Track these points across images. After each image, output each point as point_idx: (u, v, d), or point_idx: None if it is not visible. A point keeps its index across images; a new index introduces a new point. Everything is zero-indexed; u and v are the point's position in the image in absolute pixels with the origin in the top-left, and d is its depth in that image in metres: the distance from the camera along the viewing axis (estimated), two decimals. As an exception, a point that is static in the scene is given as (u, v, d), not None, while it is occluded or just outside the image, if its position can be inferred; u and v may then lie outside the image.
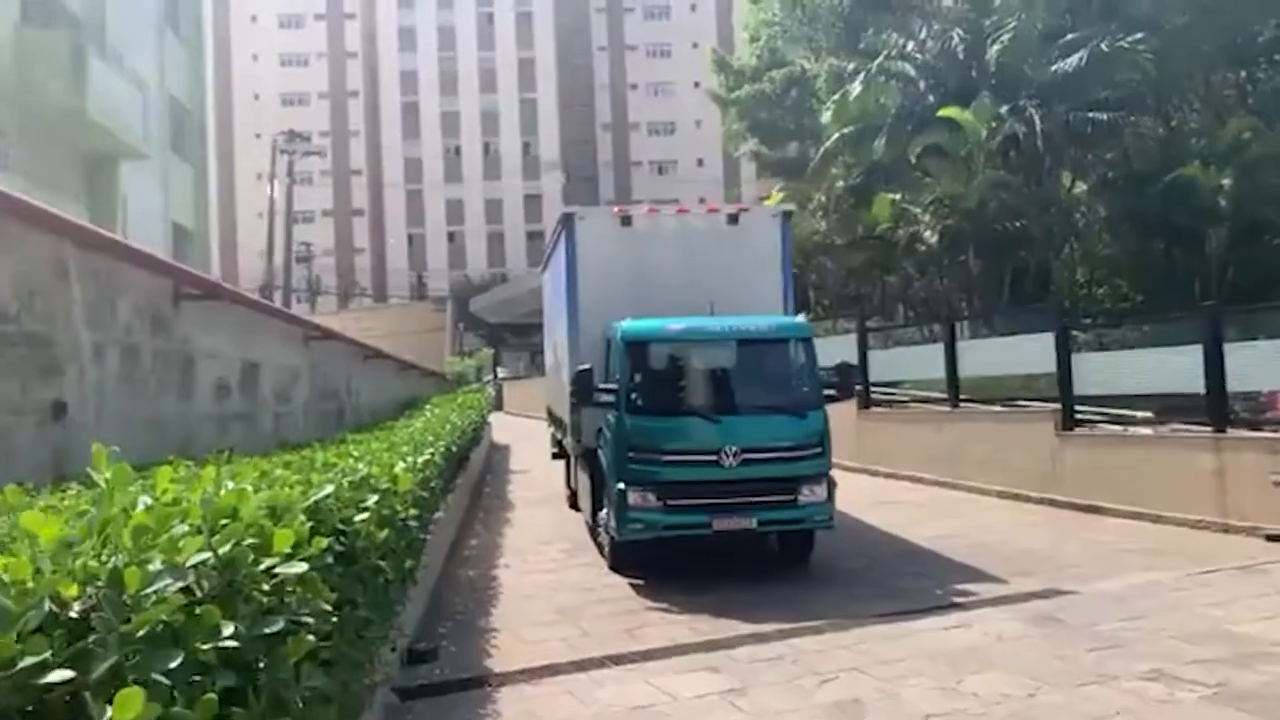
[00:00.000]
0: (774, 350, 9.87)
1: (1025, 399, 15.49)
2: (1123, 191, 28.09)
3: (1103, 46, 26.13)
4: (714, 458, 9.21)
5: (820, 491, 9.46)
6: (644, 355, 9.69)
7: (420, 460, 6.66)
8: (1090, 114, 26.53)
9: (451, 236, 74.67)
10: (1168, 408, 16.75)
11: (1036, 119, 25.69)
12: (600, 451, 10.34)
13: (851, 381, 9.97)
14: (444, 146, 74.69)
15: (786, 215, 11.68)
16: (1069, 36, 27.59)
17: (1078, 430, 13.60)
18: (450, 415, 12.51)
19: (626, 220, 11.36)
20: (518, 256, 68.77)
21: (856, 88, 27.72)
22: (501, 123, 74.33)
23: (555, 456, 16.05)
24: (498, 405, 40.84)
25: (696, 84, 63.77)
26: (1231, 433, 11.48)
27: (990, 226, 25.18)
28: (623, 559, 9.89)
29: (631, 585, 9.50)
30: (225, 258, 72.45)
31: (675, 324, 9.63)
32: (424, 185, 74.10)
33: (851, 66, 31.11)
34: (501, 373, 54.26)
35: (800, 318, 9.93)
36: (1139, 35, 26.71)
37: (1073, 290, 30.72)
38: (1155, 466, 12.15)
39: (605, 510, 10.04)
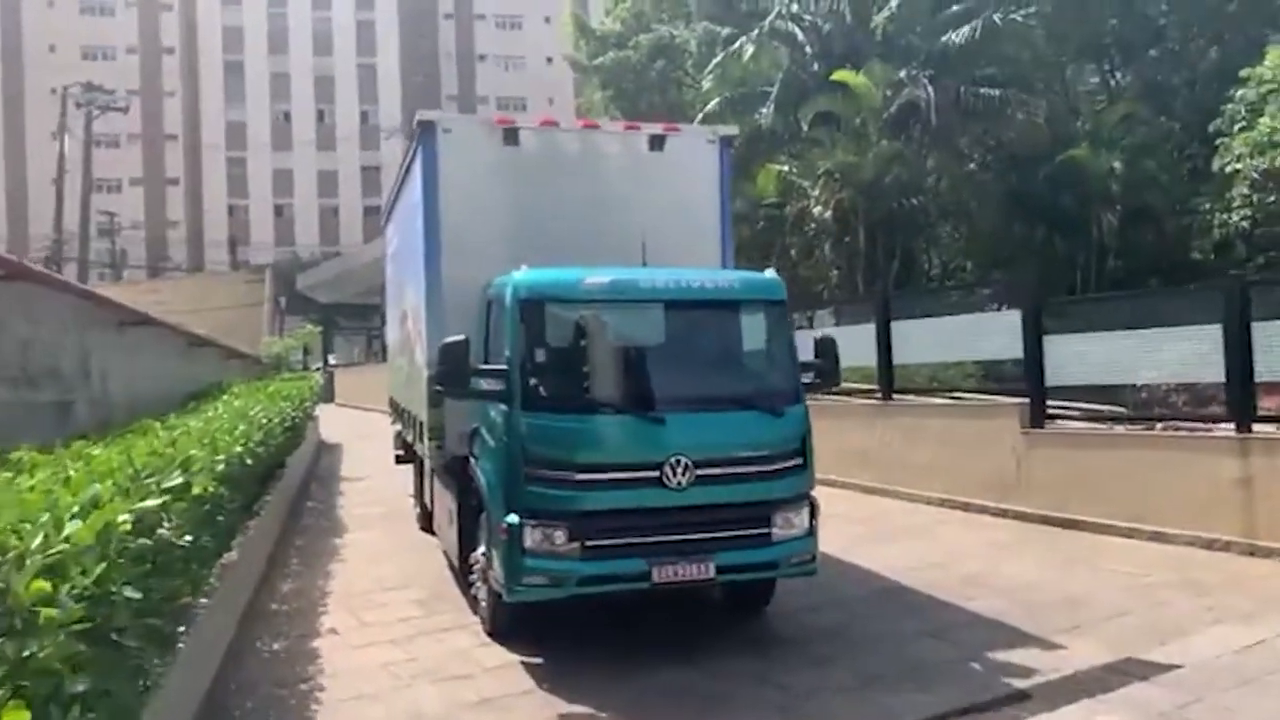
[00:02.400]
0: (738, 319, 6.88)
1: (967, 391, 13.15)
2: (1011, 171, 26.82)
3: (995, 19, 24.69)
4: (654, 474, 6.16)
5: (801, 521, 6.56)
6: (549, 323, 6.52)
7: (159, 501, 3.29)
8: (980, 89, 25.08)
9: (279, 210, 68.28)
10: (1141, 401, 14.82)
11: (930, 89, 23.95)
12: (476, 465, 7.11)
13: (837, 365, 7.04)
14: (273, 112, 68.25)
15: (727, 141, 8.70)
16: (955, 8, 26.15)
17: (1050, 427, 11.27)
18: (254, 410, 8.93)
19: (511, 135, 8.12)
20: (353, 233, 63.30)
21: (749, 48, 25.23)
22: (338, 88, 68.49)
23: (401, 460, 12.59)
24: (329, 396, 36.42)
25: (550, 59, 60.43)
26: (1260, 430, 9.30)
27: (885, 202, 23.18)
28: (510, 624, 6.73)
29: (526, 666, 6.34)
30: (14, 226, 64.01)
31: (596, 276, 6.50)
32: (248, 153, 67.49)
33: (727, 31, 28.82)
34: (333, 359, 49.28)
35: (770, 273, 6.94)
36: (1031, 9, 25.47)
37: (944, 274, 29.50)
38: (1156, 473, 9.88)
39: (484, 551, 6.82)
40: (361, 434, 23.09)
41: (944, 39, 25.29)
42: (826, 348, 7.03)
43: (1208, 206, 25.03)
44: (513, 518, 6.17)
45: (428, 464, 9.02)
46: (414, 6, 70.17)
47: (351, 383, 39.10)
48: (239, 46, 68.04)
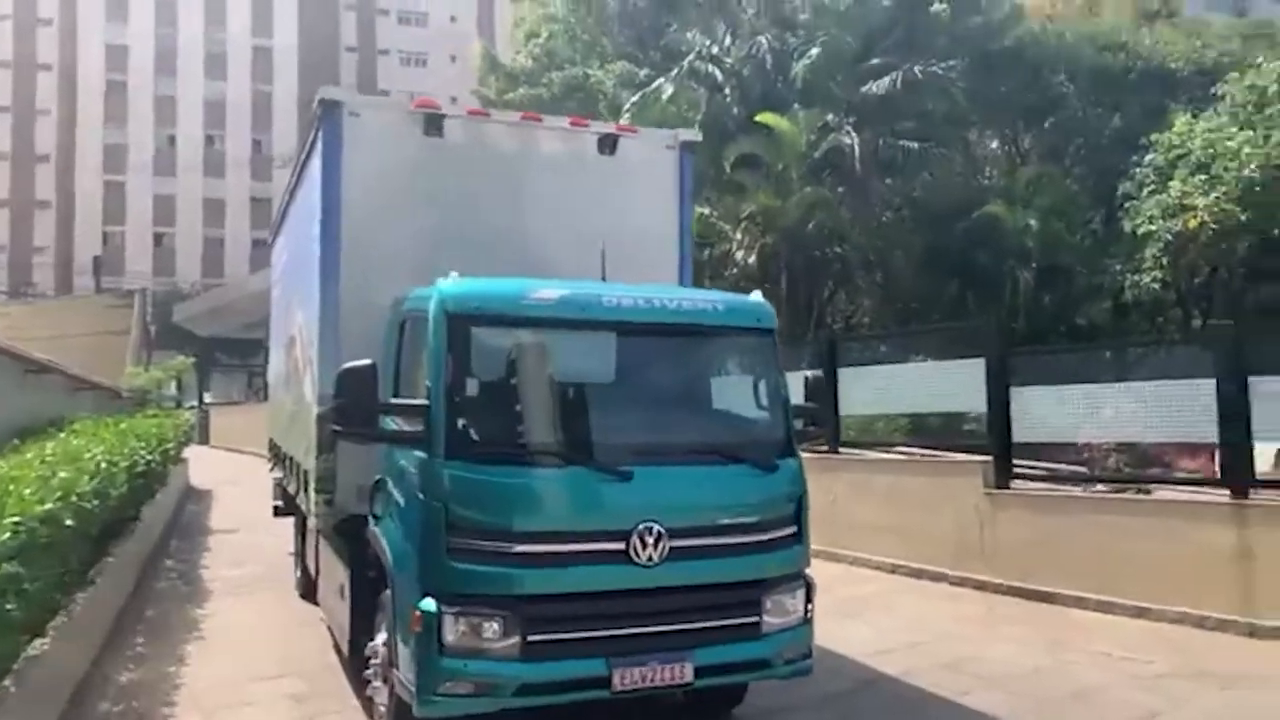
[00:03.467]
0: (722, 350, 5.58)
1: (909, 446, 12.16)
2: (929, 225, 26.59)
3: (915, 70, 24.52)
4: (618, 546, 4.75)
5: (796, 606, 5.24)
6: (484, 346, 5.06)
7: None
8: (900, 141, 24.84)
9: (159, 239, 64.25)
10: (1091, 459, 14.03)
11: (855, 137, 23.51)
12: (379, 528, 5.55)
13: (825, 409, 5.75)
14: (157, 136, 64.51)
15: (688, 147, 7.45)
16: (874, 61, 25.97)
17: (1017, 487, 10.27)
18: (92, 452, 7.13)
19: (433, 124, 6.69)
20: (239, 266, 59.77)
21: (668, 88, 24.43)
22: (229, 114, 65.24)
23: (280, 512, 10.78)
24: (203, 437, 33.64)
25: (454, 98, 58.95)
26: (1260, 497, 8.45)
27: (809, 249, 22.47)
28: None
29: (439, 801, 4.76)
30: None
31: (547, 290, 5.09)
32: (128, 176, 63.50)
33: (645, 73, 28.09)
34: (210, 397, 45.99)
35: (757, 295, 5.64)
36: (951, 63, 25.49)
37: (862, 325, 29.05)
38: (1137, 542, 8.91)
39: (386, 640, 5.25)
40: (237, 479, 20.84)
41: (864, 89, 25.00)
42: (817, 389, 5.75)
43: (1118, 268, 25.27)
44: (429, 603, 4.65)
45: (312, 522, 7.34)
46: (315, 34, 67.83)
47: (229, 423, 36.27)
48: (123, 66, 64.34)
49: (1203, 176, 22.20)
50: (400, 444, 5.17)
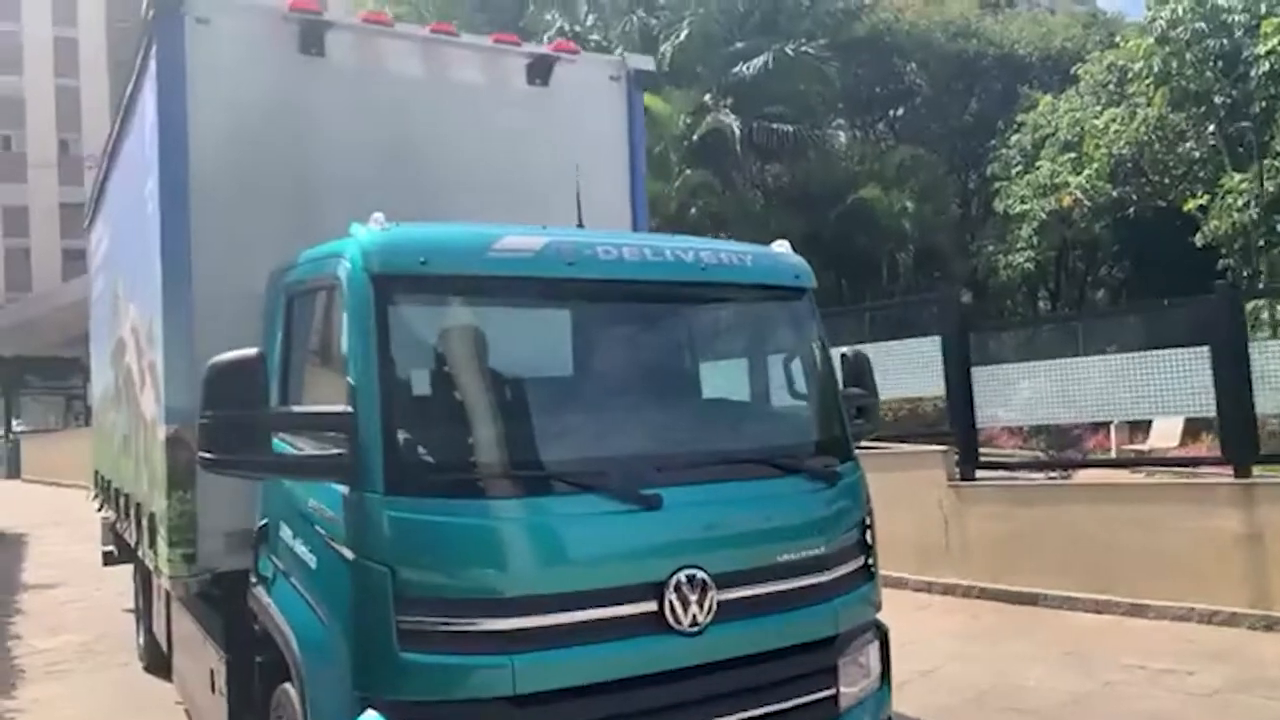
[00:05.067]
0: (755, 319, 4.11)
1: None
2: (804, 210, 25.99)
3: (787, 51, 23.81)
4: (649, 607, 3.21)
5: (872, 664, 3.81)
6: (432, 321, 3.43)
7: None
8: (773, 125, 24.06)
9: (-48, 251, 57.59)
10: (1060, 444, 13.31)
11: (734, 118, 22.56)
12: (272, 596, 3.83)
13: (877, 399, 4.36)
14: (-58, 136, 57.77)
15: (639, 79, 5.94)
16: (740, 44, 25.15)
17: (983, 478, 9.25)
18: None
19: (312, 36, 4.95)
20: (49, 280, 54.06)
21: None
22: (30, 112, 58.98)
23: (112, 559, 8.64)
24: (12, 471, 29.76)
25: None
26: (1265, 475, 7.66)
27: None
28: None
29: None
30: None
31: (520, 237, 3.46)
32: (-91, 183, 56.56)
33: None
34: (20, 425, 41.10)
35: (784, 245, 4.18)
36: (823, 41, 24.96)
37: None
38: (1126, 531, 8.02)
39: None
40: (56, 519, 17.92)
41: (735, 70, 24.13)
42: (862, 370, 4.33)
43: (990, 249, 25.36)
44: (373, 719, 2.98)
45: (163, 583, 5.42)
46: (124, 26, 62.25)
47: (45, 453, 32.25)
48: (-102, 59, 57.28)
49: (1071, 155, 22.40)
50: (307, 475, 3.46)
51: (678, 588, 3.24)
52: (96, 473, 8.89)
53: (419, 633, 3.02)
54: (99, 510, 8.84)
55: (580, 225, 4.07)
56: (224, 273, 4.65)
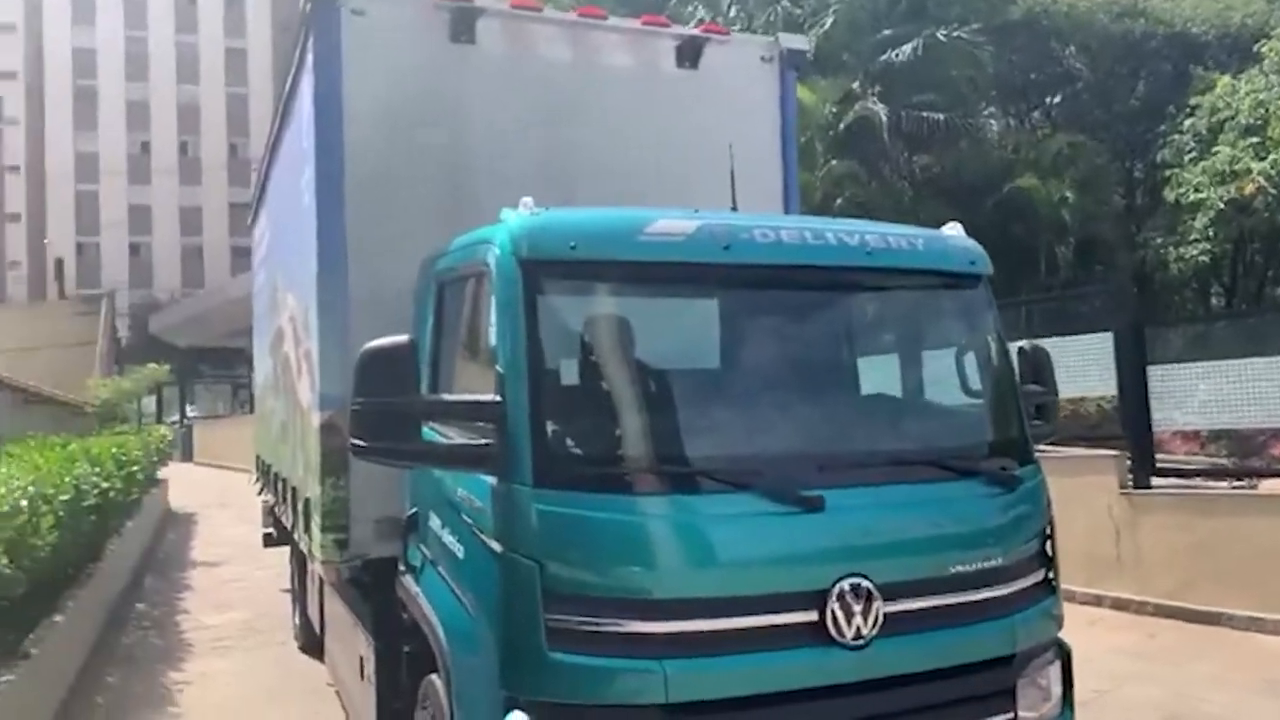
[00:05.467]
0: (925, 308, 3.82)
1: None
2: (958, 200, 24.97)
3: (939, 36, 22.90)
4: (808, 617, 2.97)
5: (1053, 686, 3.47)
6: (584, 309, 3.30)
7: None
8: (923, 113, 23.19)
9: (135, 249, 61.93)
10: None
11: (882, 107, 21.89)
12: (420, 585, 3.80)
13: (1057, 398, 3.97)
14: (129, 142, 62.21)
15: (793, 59, 5.69)
16: (888, 32, 24.34)
17: (1159, 486, 8.56)
18: (18, 488, 5.29)
19: (463, 24, 4.94)
20: (219, 275, 57.61)
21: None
22: (204, 119, 62.96)
23: (272, 541, 9.02)
24: (185, 454, 31.71)
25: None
26: None
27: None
28: None
29: None
30: None
31: (672, 221, 3.29)
32: (101, 186, 61.18)
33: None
34: (194, 411, 43.90)
35: (956, 228, 3.87)
36: (976, 26, 23.90)
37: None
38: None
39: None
40: (224, 501, 18.96)
41: (883, 57, 23.39)
42: (1041, 366, 3.96)
43: (1158, 240, 23.74)
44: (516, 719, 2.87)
45: (316, 567, 5.54)
46: (289, 34, 65.69)
47: (214, 437, 34.34)
48: (92, 71, 62.04)
49: (1254, 140, 20.71)
50: (455, 465, 3.39)
51: (841, 597, 3.01)
52: (258, 457, 9.27)
53: (567, 631, 2.89)
54: (259, 494, 9.21)
55: (734, 209, 3.86)
56: (378, 261, 4.68)
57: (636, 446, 3.13)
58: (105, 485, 7.69)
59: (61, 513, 5.56)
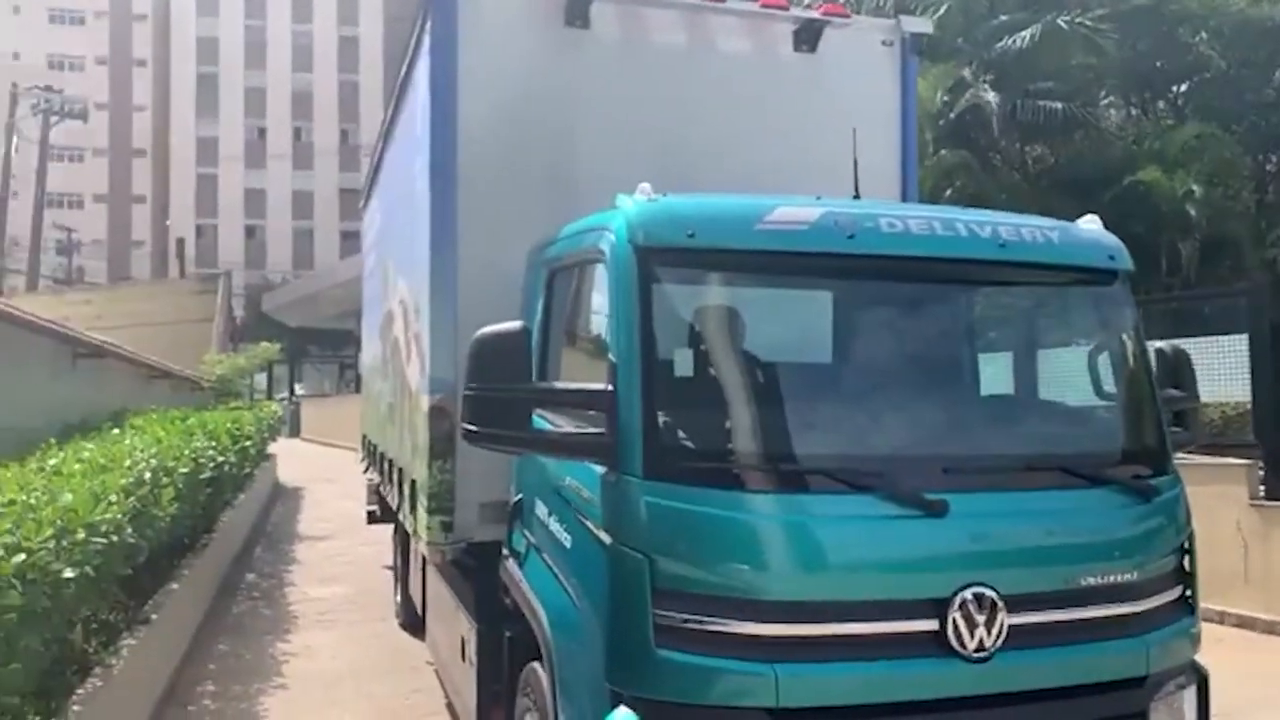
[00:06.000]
0: (1059, 305, 3.65)
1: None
2: (1071, 192, 24.02)
3: (1060, 23, 21.98)
4: (928, 625, 2.85)
5: (1189, 712, 3.25)
6: (699, 300, 3.22)
7: None
8: (1040, 102, 22.31)
9: (250, 231, 64.46)
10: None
11: (994, 95, 21.16)
12: (524, 573, 3.78)
13: (1197, 399, 3.71)
14: (246, 128, 64.68)
15: (914, 43, 5.50)
16: (1002, 18, 23.48)
17: (1295, 499, 8.06)
18: (135, 458, 5.50)
19: (579, 10, 4.88)
20: (328, 257, 59.54)
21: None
22: (317, 105, 65.02)
23: (373, 519, 9.23)
24: (294, 430, 32.81)
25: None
26: None
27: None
28: None
29: None
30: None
31: (794, 209, 3.18)
32: (219, 170, 63.77)
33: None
34: (301, 390, 45.42)
35: (1094, 221, 3.66)
36: (1100, 12, 22.89)
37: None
38: None
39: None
40: (329, 476, 19.57)
41: (1001, 44, 22.58)
42: (1181, 369, 3.72)
43: (1298, 239, 22.40)
44: (624, 717, 2.82)
45: (421, 547, 5.61)
46: (399, 26, 67.23)
47: (320, 415, 35.47)
48: (214, 58, 64.66)
49: None
50: (565, 454, 3.35)
51: (963, 606, 2.87)
52: (364, 437, 9.48)
53: (676, 629, 2.82)
54: (365, 472, 9.42)
55: (857, 196, 3.72)
56: (488, 246, 4.68)
57: (752, 441, 3.05)
58: (220, 459, 7.97)
59: (180, 485, 5.76)
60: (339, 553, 11.50)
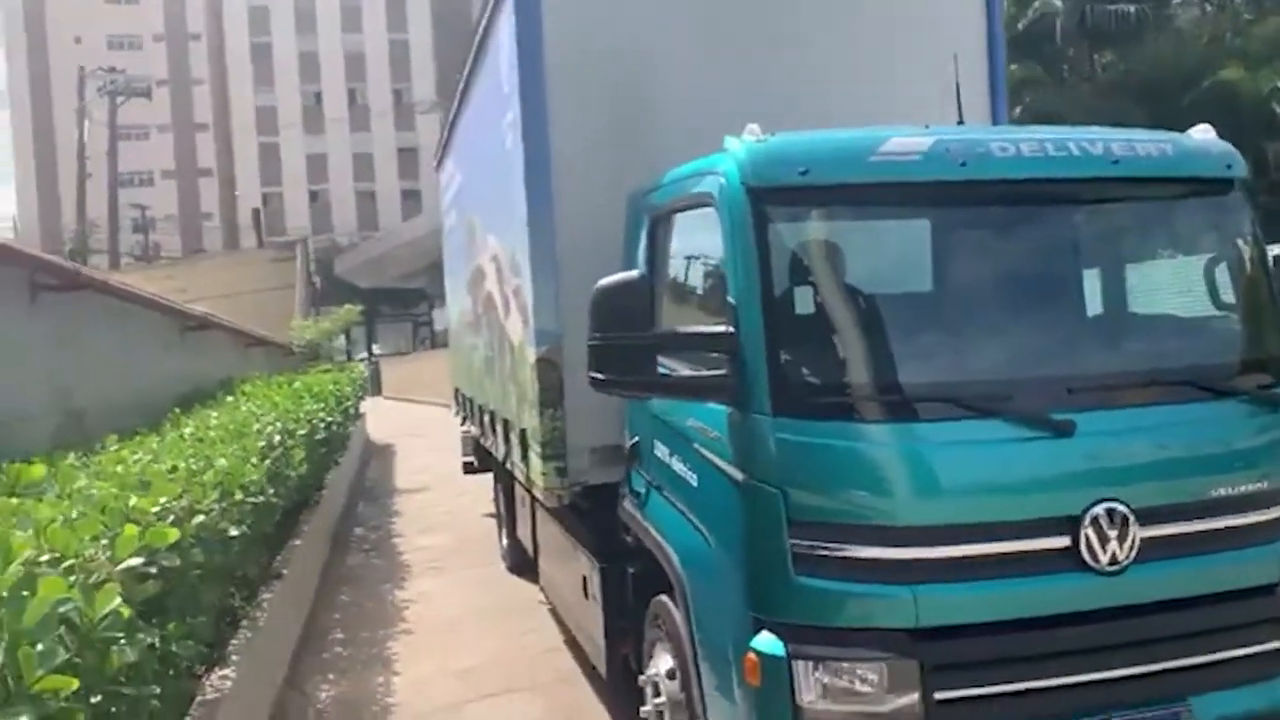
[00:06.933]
0: (1177, 218, 3.61)
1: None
2: (1146, 99, 23.10)
3: (1130, -79, 21.02)
4: (1061, 542, 2.92)
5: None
6: (819, 236, 3.28)
7: None
8: (1110, 6, 21.45)
9: (314, 196, 65.44)
10: None
11: (1060, 3, 20.44)
12: (645, 512, 3.94)
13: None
14: (303, 94, 65.36)
15: (1000, -39, 5.39)
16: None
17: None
18: (262, 421, 5.79)
19: (663, -48, 4.87)
20: (391, 218, 60.29)
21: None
22: (369, 66, 65.35)
23: (470, 469, 9.52)
24: (375, 389, 33.60)
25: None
26: None
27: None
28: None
29: None
30: (47, 220, 62.15)
31: (906, 139, 3.20)
32: (280, 138, 64.68)
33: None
34: (378, 349, 46.43)
35: (1207, 131, 3.62)
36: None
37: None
38: None
39: (679, 685, 3.62)
40: (415, 431, 20.12)
41: (1067, -53, 21.69)
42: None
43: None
44: (770, 642, 2.96)
45: (536, 493, 5.81)
46: (445, -23, 66.88)
47: (399, 374, 36.23)
48: (265, 27, 65.20)
49: None
50: (691, 396, 3.46)
51: (1095, 522, 2.94)
52: (457, 391, 9.73)
53: (814, 557, 2.94)
54: (461, 425, 9.69)
55: (960, 122, 3.72)
56: (581, 200, 4.75)
57: (877, 373, 3.12)
58: (329, 420, 8.29)
59: (301, 451, 6.04)
60: (436, 503, 11.88)
